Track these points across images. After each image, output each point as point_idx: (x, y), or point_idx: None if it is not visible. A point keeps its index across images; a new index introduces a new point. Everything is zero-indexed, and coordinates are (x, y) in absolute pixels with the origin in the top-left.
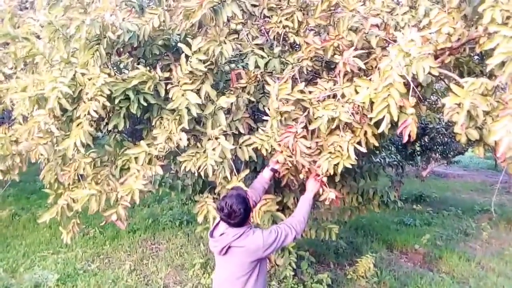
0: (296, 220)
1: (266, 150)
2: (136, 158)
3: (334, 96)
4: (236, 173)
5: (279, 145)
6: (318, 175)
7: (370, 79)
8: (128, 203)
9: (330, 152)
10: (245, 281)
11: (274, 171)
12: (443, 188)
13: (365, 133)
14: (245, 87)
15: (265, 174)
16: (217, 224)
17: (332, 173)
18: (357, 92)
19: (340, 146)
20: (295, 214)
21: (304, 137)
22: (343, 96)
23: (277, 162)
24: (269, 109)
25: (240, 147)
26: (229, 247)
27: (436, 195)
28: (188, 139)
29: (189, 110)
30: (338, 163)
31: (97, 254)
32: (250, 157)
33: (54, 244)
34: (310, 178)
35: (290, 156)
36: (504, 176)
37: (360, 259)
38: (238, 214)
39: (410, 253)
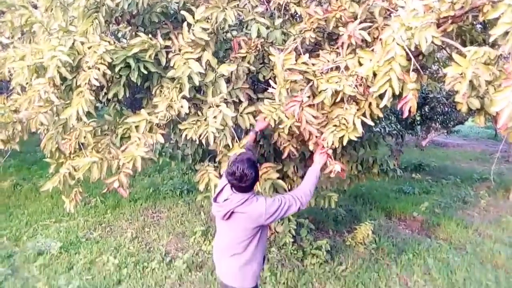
0: (302, 192)
1: (274, 120)
2: (136, 126)
3: (338, 68)
4: (237, 140)
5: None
6: (324, 148)
7: (372, 50)
8: (130, 170)
9: (335, 125)
10: (245, 245)
11: (257, 133)
12: (443, 157)
13: (370, 104)
14: (245, 56)
15: (249, 138)
16: (221, 190)
17: (336, 146)
18: (360, 64)
19: (345, 119)
20: (302, 186)
21: (310, 106)
22: (346, 68)
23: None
24: (272, 80)
25: (241, 115)
26: (233, 212)
27: (435, 164)
28: (189, 107)
29: (190, 78)
30: (343, 136)
31: (98, 223)
32: (251, 124)
33: (56, 213)
34: (317, 151)
35: (297, 126)
36: (503, 145)
37: (359, 226)
38: (249, 178)
39: (408, 220)
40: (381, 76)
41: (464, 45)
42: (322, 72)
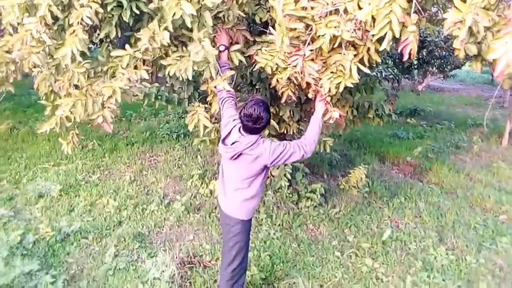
0: (307, 141)
1: (271, 68)
2: (121, 62)
3: (337, 11)
4: (220, 74)
5: (286, 63)
6: (323, 95)
7: None
8: (113, 105)
9: (332, 72)
10: (250, 182)
11: (225, 49)
12: (438, 102)
13: (368, 49)
14: None
15: (223, 57)
16: (229, 132)
17: (334, 93)
18: (360, 8)
19: (342, 66)
20: (306, 135)
21: (312, 59)
22: (345, 11)
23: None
24: (272, 26)
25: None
26: (241, 154)
27: (431, 109)
28: (173, 44)
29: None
30: (340, 82)
31: (97, 166)
32: (240, 61)
33: (54, 156)
34: (317, 99)
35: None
36: (499, 91)
37: (353, 170)
38: (264, 121)
39: (401, 165)
40: (381, 18)
41: None
42: (320, 16)
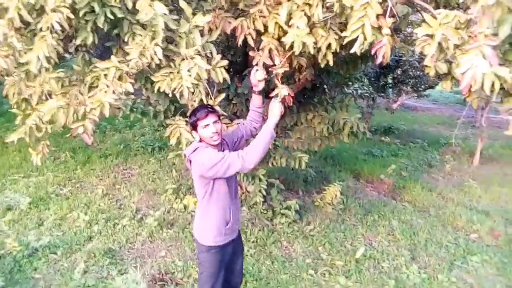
0: (249, 150)
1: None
2: (105, 75)
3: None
4: (212, 97)
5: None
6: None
7: None
8: (96, 117)
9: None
10: (200, 196)
11: (259, 92)
12: (412, 121)
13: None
14: None
15: (255, 101)
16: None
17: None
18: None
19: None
20: (252, 143)
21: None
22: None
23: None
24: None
25: (213, 69)
26: (190, 160)
27: (405, 128)
28: (162, 58)
29: (162, 26)
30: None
31: (68, 179)
32: (224, 80)
33: (24, 168)
34: (274, 100)
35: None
36: (471, 110)
37: (328, 187)
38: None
39: (376, 182)
40: (354, 20)
41: (438, 8)
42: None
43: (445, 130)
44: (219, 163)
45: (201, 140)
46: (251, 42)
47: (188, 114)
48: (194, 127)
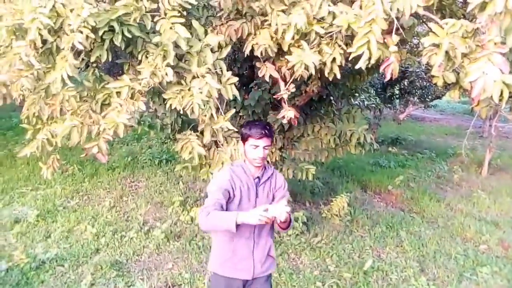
0: (209, 217)
1: None
2: (118, 92)
3: None
4: (222, 113)
5: None
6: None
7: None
8: (110, 136)
9: None
10: None
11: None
12: (419, 132)
13: None
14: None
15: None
16: None
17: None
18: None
19: None
20: (215, 215)
21: None
22: None
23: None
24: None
25: (224, 86)
26: None
27: (412, 138)
28: (172, 76)
29: (175, 45)
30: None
31: (76, 191)
32: (233, 95)
33: (32, 180)
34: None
35: None
36: (478, 121)
37: (335, 198)
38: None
39: (383, 193)
40: (360, 36)
41: (444, 19)
42: None
43: (452, 140)
44: (208, 199)
45: (244, 155)
46: (257, 52)
47: (243, 123)
48: (243, 139)
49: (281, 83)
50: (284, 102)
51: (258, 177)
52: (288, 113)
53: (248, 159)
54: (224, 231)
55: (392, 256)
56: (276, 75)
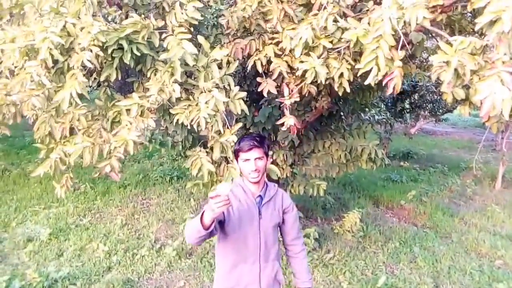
0: (186, 226)
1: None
2: (128, 110)
3: None
4: (229, 126)
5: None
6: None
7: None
8: (121, 154)
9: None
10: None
11: None
12: (431, 146)
13: None
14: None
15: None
16: None
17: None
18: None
19: None
20: (191, 222)
21: None
22: None
23: None
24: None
25: (232, 101)
26: None
27: (424, 152)
28: (180, 92)
29: (182, 62)
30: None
31: (88, 209)
32: (242, 110)
33: (45, 199)
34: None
35: None
36: (490, 134)
37: (347, 214)
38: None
39: (395, 208)
40: (368, 53)
41: (453, 34)
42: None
43: (465, 154)
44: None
45: (241, 174)
46: (259, 67)
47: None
48: (236, 156)
49: (285, 89)
50: (286, 109)
51: (260, 196)
52: (288, 120)
53: (244, 176)
54: (227, 253)
55: (405, 272)
56: (274, 91)
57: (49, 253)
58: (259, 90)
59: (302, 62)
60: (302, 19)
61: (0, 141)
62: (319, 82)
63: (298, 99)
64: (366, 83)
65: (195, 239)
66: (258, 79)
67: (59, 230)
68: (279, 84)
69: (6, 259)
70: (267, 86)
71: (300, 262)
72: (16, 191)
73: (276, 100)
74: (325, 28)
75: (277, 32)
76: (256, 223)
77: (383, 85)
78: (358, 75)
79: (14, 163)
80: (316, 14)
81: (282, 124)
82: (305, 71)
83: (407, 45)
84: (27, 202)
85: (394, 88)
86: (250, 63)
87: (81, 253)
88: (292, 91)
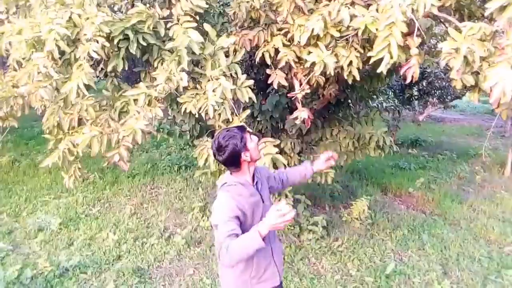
0: (230, 251)
1: None
2: (135, 100)
3: None
4: (237, 114)
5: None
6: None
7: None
8: (130, 143)
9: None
10: None
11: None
12: (439, 133)
13: None
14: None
15: (308, 170)
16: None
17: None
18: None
19: None
20: (236, 243)
21: None
22: None
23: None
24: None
25: (239, 89)
26: None
27: (432, 140)
28: (188, 81)
29: (188, 50)
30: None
31: (97, 199)
32: (250, 98)
33: (55, 189)
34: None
35: None
36: (500, 120)
37: (355, 202)
38: (228, 149)
39: (404, 196)
40: (380, 41)
41: (462, 20)
42: None
43: (474, 141)
44: (220, 235)
45: (231, 173)
46: (267, 59)
47: (222, 139)
48: (245, 145)
49: (296, 83)
50: (298, 102)
51: (256, 182)
52: (301, 113)
53: (256, 158)
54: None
55: (414, 260)
56: (284, 83)
57: (60, 243)
58: (268, 82)
59: (309, 53)
60: (312, 9)
61: (9, 132)
62: (328, 73)
63: (308, 91)
64: (378, 71)
65: (244, 259)
66: (268, 71)
67: (69, 219)
68: (286, 73)
69: (18, 249)
70: (276, 77)
71: (292, 168)
72: (26, 181)
73: (285, 91)
74: (336, 18)
75: (286, 23)
76: (261, 207)
77: (400, 74)
78: (369, 63)
79: (23, 154)
80: (327, 5)
81: (291, 113)
82: (313, 63)
83: (420, 31)
84: (37, 192)
85: (412, 76)
86: (258, 55)
87: (91, 242)
88: (301, 82)
